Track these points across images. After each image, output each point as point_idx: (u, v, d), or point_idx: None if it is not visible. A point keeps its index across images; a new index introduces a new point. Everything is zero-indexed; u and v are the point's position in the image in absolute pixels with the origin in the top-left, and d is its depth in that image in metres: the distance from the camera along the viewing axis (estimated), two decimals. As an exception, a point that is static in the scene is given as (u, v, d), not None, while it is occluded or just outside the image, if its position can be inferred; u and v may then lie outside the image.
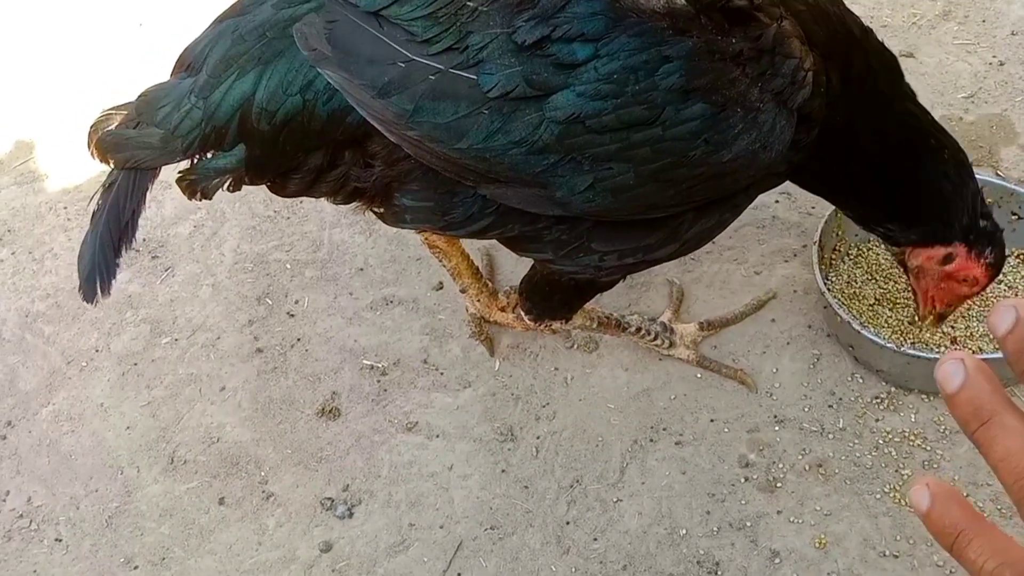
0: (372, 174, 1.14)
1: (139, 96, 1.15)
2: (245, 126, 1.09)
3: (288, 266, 1.85)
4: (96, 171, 2.12)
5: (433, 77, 0.99)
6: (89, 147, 1.15)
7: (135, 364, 1.74)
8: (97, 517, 1.55)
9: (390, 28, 1.00)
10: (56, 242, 1.97)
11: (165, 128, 1.10)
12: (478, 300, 1.64)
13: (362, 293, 1.79)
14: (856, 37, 1.21)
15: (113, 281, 1.17)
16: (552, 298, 1.37)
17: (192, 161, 1.15)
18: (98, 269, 1.15)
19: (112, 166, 1.16)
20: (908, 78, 1.97)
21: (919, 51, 2.04)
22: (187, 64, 1.14)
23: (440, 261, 1.60)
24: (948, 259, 1.33)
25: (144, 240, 1.93)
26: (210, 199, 1.18)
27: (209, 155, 1.14)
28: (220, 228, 1.93)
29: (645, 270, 1.45)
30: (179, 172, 1.15)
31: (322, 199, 1.23)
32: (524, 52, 0.98)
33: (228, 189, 1.18)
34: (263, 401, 1.65)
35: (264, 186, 1.21)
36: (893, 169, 1.27)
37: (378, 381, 1.65)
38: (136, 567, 1.49)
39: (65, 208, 2.03)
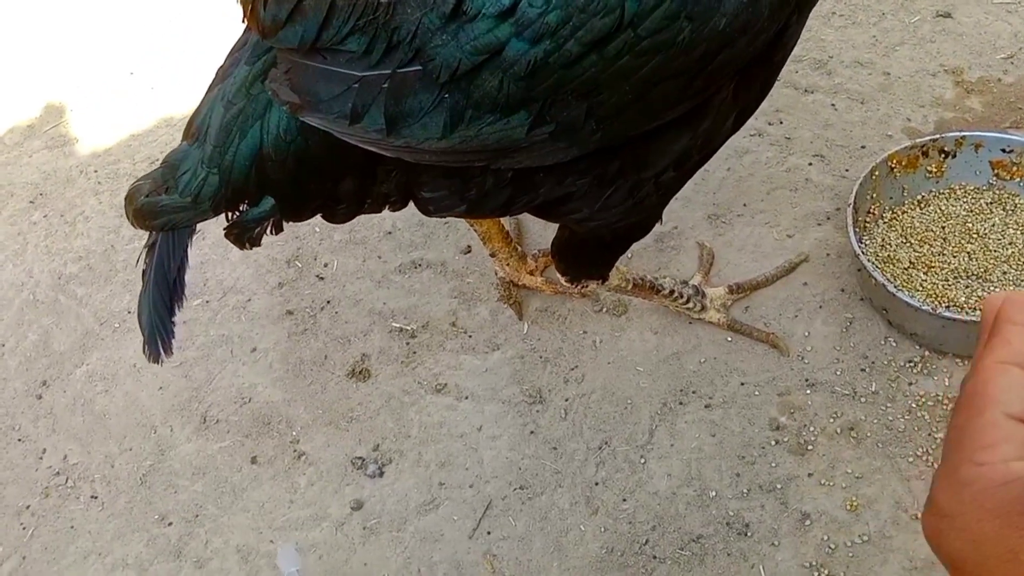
0: (393, 182, 1.15)
1: (163, 162, 1.16)
2: (263, 179, 1.10)
3: (317, 229, 1.86)
4: (126, 134, 2.14)
5: (386, 85, 0.97)
6: (128, 218, 1.17)
7: (167, 326, 1.76)
8: (132, 475, 1.58)
9: (332, 56, 0.98)
10: (87, 205, 1.99)
11: (187, 197, 1.12)
12: (507, 264, 1.64)
13: (390, 256, 1.79)
14: None
15: (173, 340, 1.19)
16: (586, 255, 1.36)
17: (227, 217, 1.16)
18: (157, 331, 1.18)
19: (152, 231, 1.17)
20: (945, 38, 1.95)
21: (956, 10, 1.99)
22: (194, 133, 1.15)
23: (471, 226, 1.59)
24: None
25: (174, 203, 1.94)
26: (260, 245, 1.20)
27: (243, 208, 1.15)
28: (249, 191, 1.93)
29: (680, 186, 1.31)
30: (224, 227, 1.17)
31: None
32: (450, 23, 0.93)
33: (272, 232, 1.20)
34: (294, 362, 1.66)
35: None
36: None
37: (407, 343, 1.66)
38: (170, 524, 1.51)
39: (95, 171, 2.04)
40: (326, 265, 1.80)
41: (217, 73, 1.18)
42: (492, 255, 1.64)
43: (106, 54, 2.28)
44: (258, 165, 1.09)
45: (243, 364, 1.68)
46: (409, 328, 1.68)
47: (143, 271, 1.21)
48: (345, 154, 1.08)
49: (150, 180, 1.16)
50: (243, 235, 1.18)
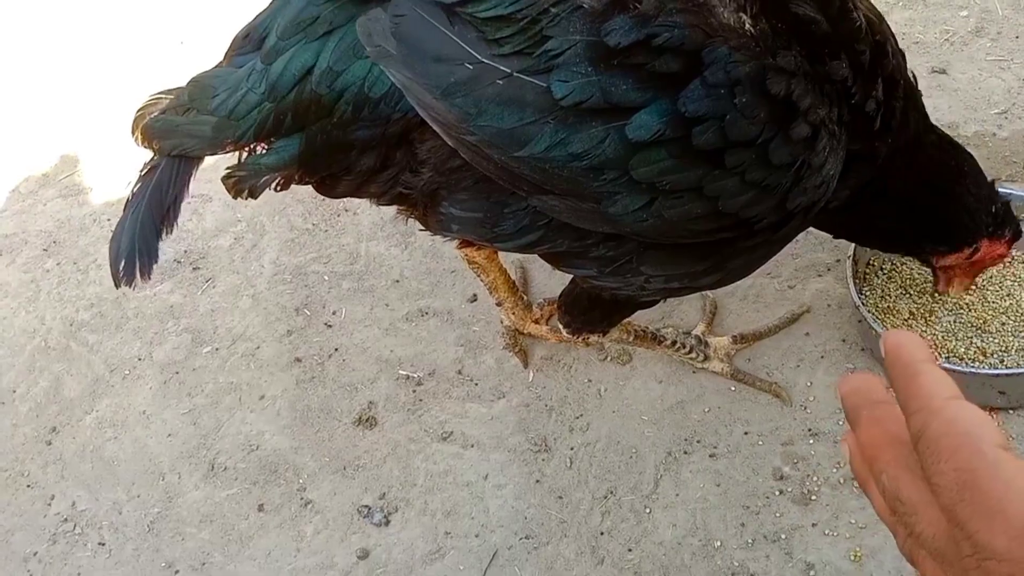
0: (421, 179, 1.12)
1: (190, 81, 1.12)
2: (304, 98, 1.06)
3: (326, 278, 1.89)
4: (139, 184, 2.18)
5: (501, 81, 0.97)
6: (134, 132, 1.12)
7: (176, 373, 1.78)
8: (139, 522, 1.59)
9: (461, 27, 0.98)
10: (100, 253, 2.02)
11: (220, 115, 1.08)
12: (513, 313, 1.66)
13: (398, 304, 1.82)
14: (903, 67, 1.23)
15: (155, 264, 1.11)
16: (591, 312, 1.38)
17: (240, 157, 1.12)
18: (138, 251, 1.10)
19: (157, 152, 1.12)
20: (940, 94, 1.99)
21: (952, 67, 2.04)
22: (247, 38, 1.12)
23: (478, 276, 1.62)
24: (975, 252, 1.40)
25: (185, 252, 1.98)
26: (256, 199, 1.15)
27: (260, 150, 1.11)
28: (260, 240, 1.97)
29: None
30: (227, 169, 1.12)
31: (362, 204, 1.22)
32: (607, 61, 0.96)
33: (276, 188, 1.15)
34: (301, 410, 1.68)
35: (312, 187, 1.20)
36: (923, 200, 1.31)
37: (414, 391, 1.68)
38: (177, 571, 1.52)
39: (108, 220, 2.08)
40: (334, 313, 1.83)
41: None
42: (498, 304, 1.67)
43: (119, 105, 2.33)
44: (307, 78, 1.04)
45: (251, 411, 1.70)
46: (416, 376, 1.70)
47: (129, 198, 1.13)
48: (394, 105, 1.04)
49: (170, 97, 1.11)
50: (247, 180, 1.12)
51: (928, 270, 1.53)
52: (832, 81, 1.07)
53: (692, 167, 1.03)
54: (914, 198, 1.31)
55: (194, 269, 1.95)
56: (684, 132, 1.00)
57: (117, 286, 1.12)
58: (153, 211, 1.10)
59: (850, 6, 1.10)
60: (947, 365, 1.45)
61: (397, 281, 1.86)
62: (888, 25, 1.22)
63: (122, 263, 1.10)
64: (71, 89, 2.43)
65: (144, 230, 1.10)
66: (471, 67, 0.98)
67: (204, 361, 1.79)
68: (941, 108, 1.96)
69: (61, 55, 2.54)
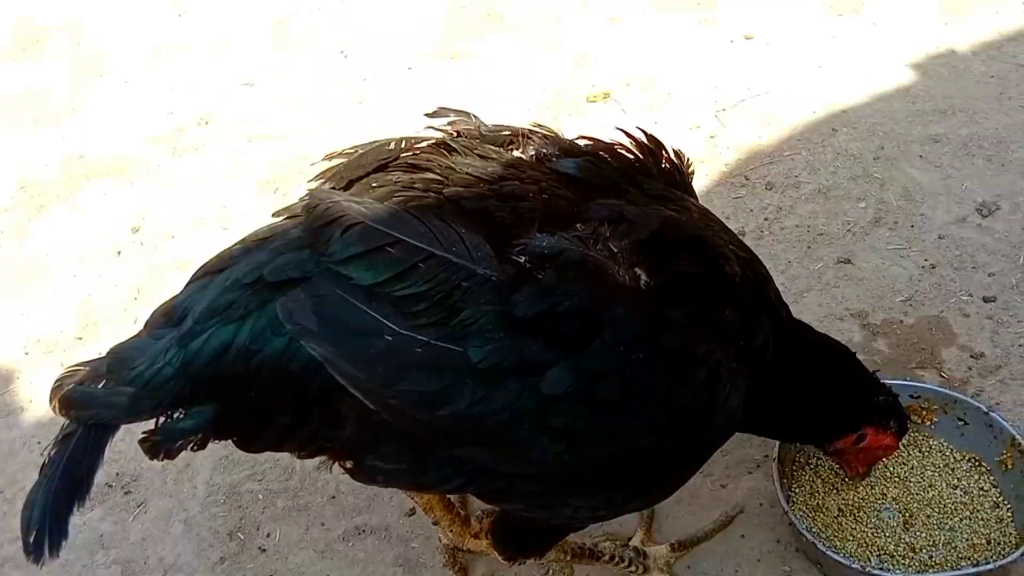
0: (342, 435, 1.16)
1: (109, 352, 1.16)
2: (220, 373, 1.11)
3: (260, 496, 1.86)
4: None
5: (419, 349, 1.04)
6: (52, 401, 1.15)
7: (104, 610, 1.71)
8: None
9: (378, 303, 1.06)
10: (28, 479, 1.95)
11: (138, 386, 1.11)
12: (451, 530, 1.65)
13: (334, 523, 1.80)
14: (769, 279, 1.34)
15: (64, 542, 1.12)
16: (523, 540, 1.39)
17: (156, 423, 1.16)
18: (48, 529, 1.11)
19: (73, 421, 1.14)
20: (848, 284, 2.11)
21: (856, 257, 2.18)
22: (166, 316, 1.17)
23: (411, 497, 1.62)
24: (861, 439, 1.49)
25: (117, 474, 1.94)
26: (172, 459, 1.18)
27: (176, 416, 1.15)
28: (194, 460, 1.94)
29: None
30: (143, 433, 1.15)
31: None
32: (516, 327, 1.04)
33: (193, 449, 1.18)
34: (234, 648, 1.62)
35: (232, 443, 1.23)
36: (803, 400, 1.40)
37: (352, 619, 1.64)
38: None
39: (39, 443, 2.04)
40: (268, 535, 1.79)
41: (211, 260, 1.19)
42: (435, 523, 1.66)
43: (51, 324, 2.34)
44: (223, 355, 1.09)
45: (182, 651, 1.63)
46: (353, 603, 1.66)
47: (44, 463, 1.14)
48: (313, 376, 1.09)
49: (89, 368, 1.14)
50: (163, 444, 1.14)
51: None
52: (722, 326, 1.15)
53: (602, 415, 1.09)
54: (795, 399, 1.40)
55: (126, 493, 1.91)
56: (591, 385, 1.06)
57: (27, 558, 1.12)
58: (66, 484, 1.11)
59: (725, 258, 1.20)
60: (876, 572, 1.48)
61: (333, 497, 1.84)
62: (761, 263, 1.33)
63: (32, 536, 1.11)
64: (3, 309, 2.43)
65: (56, 505, 1.11)
66: (390, 338, 1.05)
67: (134, 595, 1.73)
68: (850, 297, 2.08)
69: (-3, 268, 2.55)
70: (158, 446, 1.16)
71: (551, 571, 1.66)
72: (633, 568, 1.58)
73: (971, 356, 1.92)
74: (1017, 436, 1.61)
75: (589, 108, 2.79)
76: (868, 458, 1.56)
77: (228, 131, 2.95)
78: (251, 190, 2.67)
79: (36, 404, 2.14)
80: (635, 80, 2.89)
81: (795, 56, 2.88)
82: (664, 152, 1.33)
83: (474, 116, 1.37)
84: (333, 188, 1.22)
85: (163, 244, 2.54)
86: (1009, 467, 1.63)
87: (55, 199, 2.76)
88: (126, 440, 1.98)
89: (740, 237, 1.42)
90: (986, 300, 2.03)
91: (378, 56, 3.17)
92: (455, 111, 1.37)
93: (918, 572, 1.52)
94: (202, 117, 3.02)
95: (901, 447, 1.73)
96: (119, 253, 2.53)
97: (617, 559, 1.58)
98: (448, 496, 1.65)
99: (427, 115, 1.39)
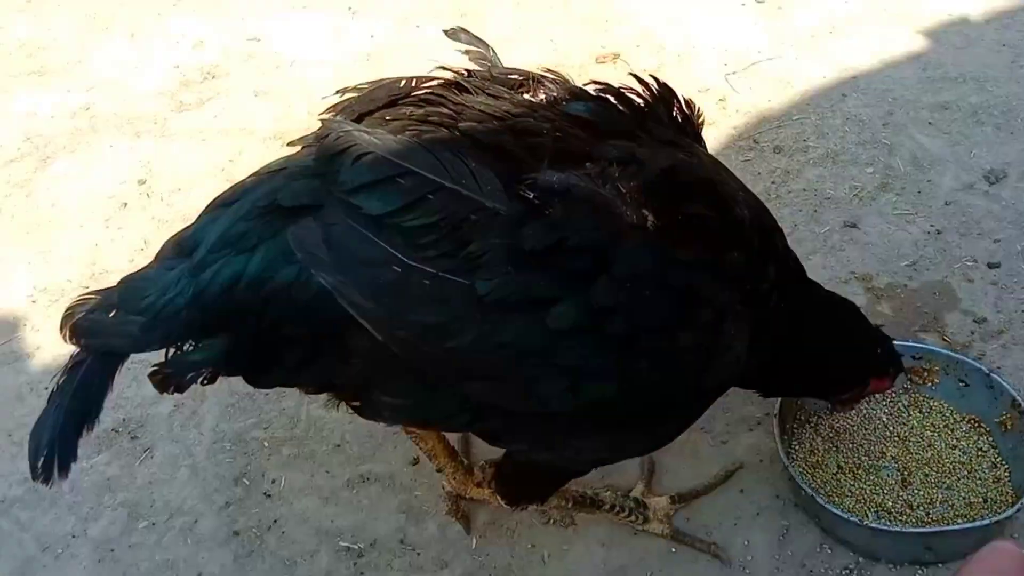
0: (351, 370, 1.17)
1: (120, 282, 1.17)
2: (232, 304, 1.11)
3: (266, 444, 1.88)
4: (78, 351, 2.16)
5: (428, 281, 1.05)
6: (62, 329, 1.16)
7: (112, 550, 1.74)
8: None
9: (388, 233, 1.06)
10: (35, 424, 1.99)
11: (149, 316, 1.12)
12: (454, 478, 1.67)
13: (339, 471, 1.82)
14: (778, 228, 1.34)
15: (73, 463, 1.13)
16: (526, 484, 1.41)
17: (167, 354, 1.16)
18: (58, 450, 1.12)
19: (84, 349, 1.16)
20: (854, 248, 2.12)
21: (862, 221, 2.18)
22: (177, 247, 1.17)
23: (416, 443, 1.64)
24: (864, 389, 1.53)
25: (124, 420, 1.96)
26: (182, 393, 1.18)
27: (186, 347, 1.16)
28: (200, 407, 1.96)
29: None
30: (153, 366, 1.15)
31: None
32: (524, 261, 1.04)
33: (203, 383, 1.18)
34: (239, 588, 1.65)
35: (242, 378, 1.23)
36: (817, 357, 1.42)
37: (355, 563, 1.66)
38: None
39: (46, 389, 2.04)
40: (274, 481, 1.81)
41: (224, 193, 1.19)
42: (438, 470, 1.68)
43: (57, 274, 2.35)
44: (234, 285, 1.09)
45: (188, 591, 1.66)
46: (356, 547, 1.68)
47: (53, 390, 1.15)
48: (321, 306, 1.09)
49: (100, 297, 1.15)
50: (174, 377, 1.15)
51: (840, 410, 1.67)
52: (729, 268, 1.15)
53: (607, 352, 1.09)
54: (808, 359, 1.42)
55: (132, 439, 1.93)
56: (597, 320, 1.07)
57: (35, 480, 1.13)
58: (76, 408, 1.13)
59: (734, 201, 1.20)
60: (874, 525, 1.50)
61: (338, 445, 1.86)
62: (770, 212, 1.33)
63: (41, 460, 1.13)
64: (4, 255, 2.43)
65: (66, 428, 1.13)
66: (399, 269, 1.05)
67: (140, 537, 1.75)
68: (855, 261, 2.08)
69: None
70: (168, 379, 1.16)
71: (552, 519, 1.68)
72: (633, 518, 1.60)
73: (974, 321, 1.93)
74: (1018, 398, 1.62)
75: (598, 69, 2.78)
76: (863, 398, 1.61)
77: (234, 86, 2.94)
78: (257, 145, 2.67)
79: (43, 351, 2.15)
80: (645, 42, 2.87)
81: (806, 20, 2.86)
82: (676, 101, 1.33)
83: (491, 49, 1.37)
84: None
85: (169, 196, 2.54)
86: (1009, 428, 1.65)
87: (61, 151, 2.75)
88: (132, 387, 2.01)
89: (749, 191, 1.43)
90: (990, 266, 2.04)
91: (386, 13, 3.15)
92: (473, 35, 1.37)
93: (915, 527, 1.54)
94: (208, 72, 3.01)
95: (902, 408, 1.75)
96: (125, 205, 2.53)
97: (618, 508, 1.59)
98: (452, 444, 1.67)
99: (445, 31, 1.39)
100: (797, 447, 1.70)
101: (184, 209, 2.45)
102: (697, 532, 1.63)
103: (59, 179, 2.66)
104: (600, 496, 1.61)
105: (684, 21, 2.92)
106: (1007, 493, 1.59)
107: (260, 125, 2.75)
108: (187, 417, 1.96)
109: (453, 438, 1.73)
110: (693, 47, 2.81)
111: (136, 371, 2.03)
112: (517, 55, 2.83)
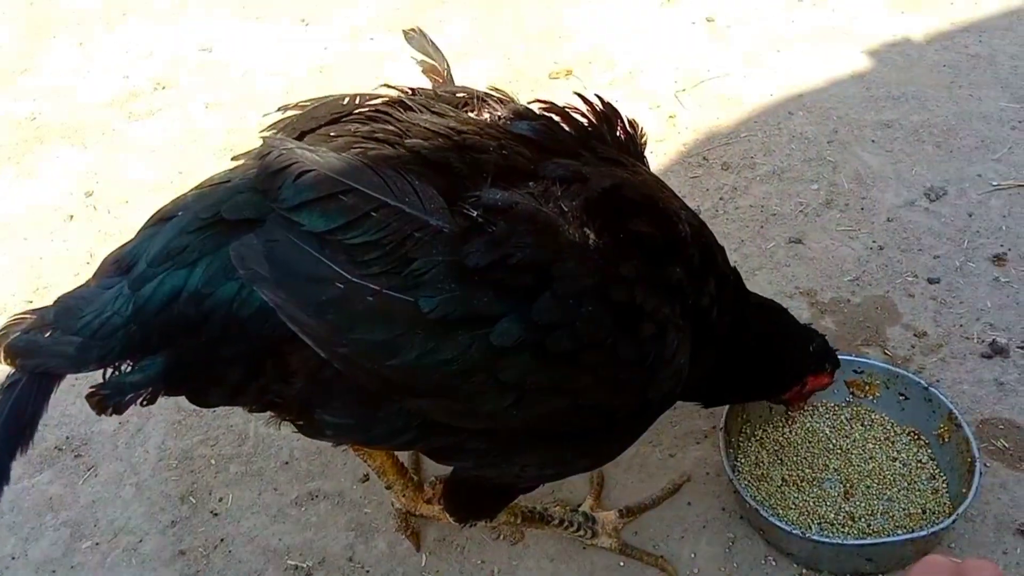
0: (292, 389, 1.16)
1: (56, 301, 1.15)
2: (172, 319, 1.09)
3: (213, 461, 1.86)
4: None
5: (371, 298, 1.04)
6: None
7: (53, 571, 1.70)
8: None
9: (332, 250, 1.05)
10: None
11: (85, 335, 1.10)
12: (403, 495, 1.67)
13: (287, 488, 1.80)
14: (718, 245, 1.37)
15: (6, 486, 1.11)
16: (474, 501, 1.41)
17: (105, 375, 1.14)
18: None
19: (19, 370, 1.13)
20: (799, 263, 2.16)
21: (807, 237, 2.23)
22: (116, 264, 1.15)
23: (364, 460, 1.63)
24: (803, 385, 1.59)
25: (67, 438, 1.92)
26: (121, 414, 1.16)
27: (124, 368, 1.13)
28: (145, 424, 1.93)
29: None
30: (91, 388, 1.13)
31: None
32: (468, 278, 1.05)
33: (142, 404, 1.16)
34: (184, 609, 1.62)
35: (185, 398, 1.22)
36: (756, 362, 1.47)
37: (303, 583, 1.65)
38: None
39: None
40: (221, 500, 1.79)
41: (165, 207, 1.17)
42: (388, 487, 1.67)
43: (6, 282, 2.30)
44: (174, 300, 1.08)
45: (131, 613, 1.63)
46: (305, 566, 1.67)
47: None
48: (263, 323, 1.08)
49: (35, 316, 1.13)
50: (111, 399, 1.13)
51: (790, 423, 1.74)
52: (670, 284, 1.18)
53: (551, 368, 1.11)
54: (748, 363, 1.47)
55: (76, 456, 1.89)
56: (541, 337, 1.08)
57: None
58: (10, 432, 1.10)
59: (676, 218, 1.23)
60: (816, 537, 1.52)
61: (286, 463, 1.85)
62: (709, 230, 1.36)
63: None
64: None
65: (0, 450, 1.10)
66: (342, 286, 1.05)
67: (83, 557, 1.72)
68: (800, 276, 2.13)
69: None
70: (106, 400, 1.13)
71: (502, 535, 1.68)
72: (582, 532, 1.61)
73: (914, 335, 1.99)
74: (954, 411, 1.66)
75: (552, 85, 2.80)
76: (808, 396, 1.66)
77: (185, 97, 2.91)
78: (208, 156, 2.65)
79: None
80: (598, 59, 2.91)
81: (755, 39, 2.92)
82: (619, 120, 1.35)
83: (446, 61, 1.38)
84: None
85: (117, 209, 2.50)
86: (946, 440, 1.69)
87: (6, 161, 2.70)
88: (77, 404, 1.97)
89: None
90: (930, 281, 2.09)
91: (340, 25, 3.14)
92: (430, 41, 1.38)
93: (856, 539, 1.57)
94: (159, 82, 2.98)
95: (844, 421, 1.79)
96: (71, 217, 2.49)
97: (567, 523, 1.60)
98: (401, 461, 1.67)
99: (404, 32, 1.40)
100: (743, 460, 1.73)
101: (132, 222, 2.40)
102: (645, 545, 1.65)
103: (3, 190, 2.61)
104: (549, 511, 1.62)
105: (635, 39, 2.96)
106: (944, 504, 1.63)
107: (211, 136, 2.73)
108: (132, 434, 1.92)
109: (403, 454, 1.73)
110: (644, 64, 2.85)
111: (80, 388, 1.98)
112: (472, 70, 2.85)
